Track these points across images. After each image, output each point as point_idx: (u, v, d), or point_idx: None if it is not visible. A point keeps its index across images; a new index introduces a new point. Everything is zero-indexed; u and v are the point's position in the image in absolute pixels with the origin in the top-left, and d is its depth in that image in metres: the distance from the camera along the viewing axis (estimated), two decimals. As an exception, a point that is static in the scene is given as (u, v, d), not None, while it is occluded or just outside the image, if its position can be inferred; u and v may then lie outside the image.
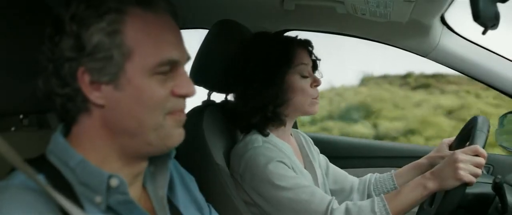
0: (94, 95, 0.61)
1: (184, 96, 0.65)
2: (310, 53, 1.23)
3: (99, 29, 0.59)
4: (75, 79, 0.60)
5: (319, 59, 1.26)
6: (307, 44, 1.22)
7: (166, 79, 0.63)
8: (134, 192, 0.69)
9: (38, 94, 0.64)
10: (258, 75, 1.13)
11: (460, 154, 0.98)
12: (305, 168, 1.23)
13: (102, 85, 0.61)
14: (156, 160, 0.73)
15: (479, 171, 0.97)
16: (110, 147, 0.64)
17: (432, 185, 1.00)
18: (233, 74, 1.18)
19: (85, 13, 0.59)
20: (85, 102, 0.62)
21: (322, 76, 1.28)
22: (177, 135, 0.66)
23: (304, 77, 1.17)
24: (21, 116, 0.81)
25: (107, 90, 0.61)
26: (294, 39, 1.22)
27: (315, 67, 1.25)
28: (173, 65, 0.64)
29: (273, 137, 1.17)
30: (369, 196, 1.29)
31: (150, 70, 0.61)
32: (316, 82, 1.19)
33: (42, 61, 0.62)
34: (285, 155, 1.13)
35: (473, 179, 0.96)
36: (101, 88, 0.61)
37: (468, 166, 0.96)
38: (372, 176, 1.33)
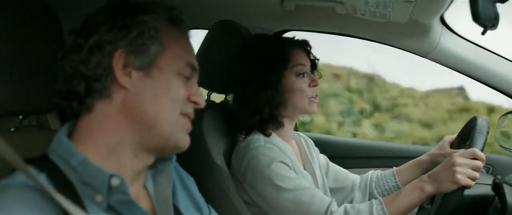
0: (123, 78, 0.65)
1: (195, 104, 0.71)
2: (308, 53, 1.23)
3: (144, 21, 0.66)
4: (110, 60, 0.64)
5: (318, 59, 1.26)
6: (304, 44, 1.22)
7: (186, 84, 0.70)
8: (135, 190, 0.69)
9: (59, 79, 0.66)
10: (255, 77, 1.14)
11: (458, 157, 0.98)
12: (304, 169, 1.23)
13: (134, 71, 0.65)
14: (157, 164, 0.74)
15: (477, 174, 0.97)
16: (123, 136, 0.65)
17: (429, 188, 1.00)
18: (231, 76, 1.18)
19: (132, 8, 0.67)
20: (112, 84, 0.65)
21: (321, 76, 1.28)
22: (186, 139, 0.71)
23: (302, 77, 1.17)
24: (21, 116, 0.81)
25: (137, 76, 0.65)
26: (291, 39, 1.22)
27: (313, 67, 1.25)
28: (191, 73, 0.71)
29: (275, 137, 1.17)
30: (370, 194, 1.29)
31: (177, 69, 0.69)
32: (314, 82, 1.18)
33: (73, 47, 0.65)
34: (287, 156, 1.13)
35: (471, 183, 0.96)
36: (131, 74, 0.65)
37: (466, 169, 0.96)
38: (373, 174, 1.33)
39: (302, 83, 1.17)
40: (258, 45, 1.19)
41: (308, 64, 1.20)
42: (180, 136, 0.69)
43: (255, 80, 1.14)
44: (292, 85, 1.16)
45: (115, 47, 0.64)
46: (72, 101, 0.66)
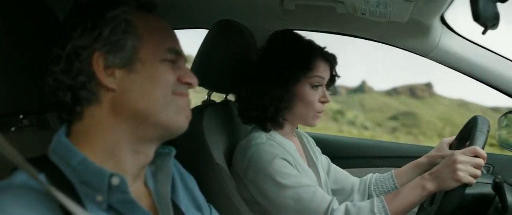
0: (108, 80, 0.63)
1: (188, 84, 0.70)
2: (332, 68, 1.21)
3: (114, 16, 0.64)
4: (90, 65, 0.63)
5: (339, 76, 1.24)
6: (331, 58, 1.20)
7: (173, 68, 0.68)
8: (137, 189, 0.69)
9: (46, 91, 0.65)
10: (271, 74, 1.13)
11: (459, 155, 0.99)
12: (308, 166, 1.23)
13: (116, 70, 0.64)
14: (157, 159, 0.74)
15: (478, 172, 0.97)
16: (119, 135, 0.65)
17: (431, 186, 1.00)
18: (241, 71, 1.17)
19: (99, 6, 0.64)
20: (98, 88, 0.64)
21: (337, 93, 1.27)
22: (184, 119, 0.69)
23: (315, 89, 1.15)
24: (21, 116, 0.81)
25: (121, 74, 0.64)
26: (320, 49, 1.19)
27: (332, 81, 1.24)
28: (177, 57, 0.69)
29: (276, 135, 1.17)
30: (369, 196, 1.29)
31: (160, 56, 0.66)
32: (324, 98, 1.17)
33: (52, 59, 0.64)
34: (288, 153, 1.13)
35: (472, 180, 0.96)
36: (114, 74, 0.64)
37: (467, 167, 0.97)
38: (372, 176, 1.34)
39: (314, 96, 1.15)
40: (287, 42, 1.17)
41: (326, 78, 1.18)
42: (178, 117, 0.68)
43: (272, 76, 1.12)
44: (304, 94, 1.15)
45: (91, 51, 0.63)
46: (62, 111, 0.65)
